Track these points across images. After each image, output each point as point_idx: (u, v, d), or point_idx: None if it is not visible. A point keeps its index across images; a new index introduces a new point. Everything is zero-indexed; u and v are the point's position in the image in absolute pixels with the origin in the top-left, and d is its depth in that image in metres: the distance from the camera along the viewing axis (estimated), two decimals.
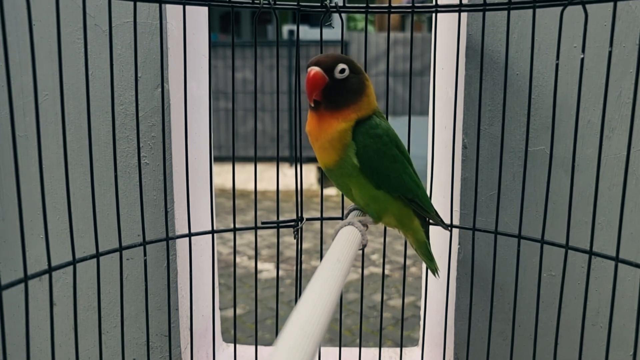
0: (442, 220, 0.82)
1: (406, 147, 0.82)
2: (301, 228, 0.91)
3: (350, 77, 0.71)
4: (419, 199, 0.76)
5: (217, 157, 5.11)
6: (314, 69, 0.70)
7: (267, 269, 3.40)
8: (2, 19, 0.55)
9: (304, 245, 3.65)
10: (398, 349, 1.12)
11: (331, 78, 0.70)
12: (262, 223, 0.90)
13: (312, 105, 0.72)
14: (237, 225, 0.91)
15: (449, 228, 0.92)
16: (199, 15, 1.02)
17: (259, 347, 0.99)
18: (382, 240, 0.96)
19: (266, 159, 5.43)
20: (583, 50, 0.71)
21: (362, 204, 0.77)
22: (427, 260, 0.85)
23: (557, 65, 0.74)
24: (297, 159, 0.89)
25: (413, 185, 0.75)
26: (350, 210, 0.83)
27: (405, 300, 2.93)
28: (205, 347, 1.09)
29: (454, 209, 0.96)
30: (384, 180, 0.73)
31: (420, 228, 0.80)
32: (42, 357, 1.00)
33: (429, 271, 1.12)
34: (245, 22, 9.72)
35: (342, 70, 0.70)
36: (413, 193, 0.75)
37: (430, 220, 0.83)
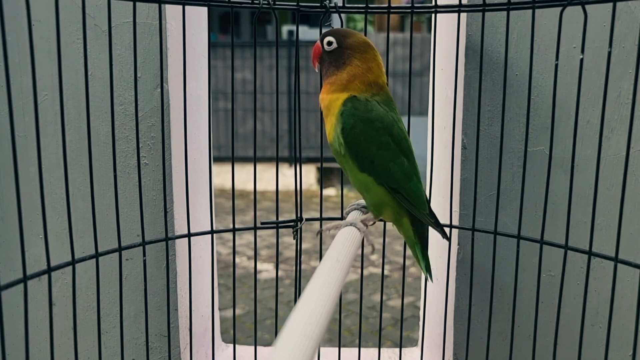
0: (435, 222, 0.79)
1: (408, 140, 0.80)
2: (300, 228, 0.91)
3: (334, 51, 0.74)
4: (404, 190, 0.74)
5: (217, 157, 5.11)
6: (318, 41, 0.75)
7: (266, 269, 3.40)
8: (2, 19, 0.55)
9: (304, 246, 3.65)
10: (397, 349, 1.12)
11: (322, 49, 0.75)
12: (262, 223, 0.90)
13: (317, 71, 0.77)
14: (236, 226, 0.91)
15: (449, 229, 0.92)
16: (199, 16, 1.02)
17: (258, 347, 0.99)
18: (381, 240, 0.96)
19: (265, 159, 5.43)
20: (582, 51, 0.71)
21: (356, 188, 0.78)
22: (417, 261, 0.82)
23: (556, 65, 0.75)
24: (296, 159, 0.89)
25: (400, 176, 0.74)
26: (350, 211, 0.82)
27: (405, 301, 2.92)
28: (204, 347, 1.09)
29: (453, 209, 0.96)
30: (367, 164, 0.73)
31: (409, 226, 0.79)
32: (41, 357, 1.00)
33: None
34: (244, 22, 9.72)
35: (329, 43, 0.74)
36: (398, 184, 0.74)
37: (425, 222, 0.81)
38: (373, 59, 0.75)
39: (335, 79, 0.74)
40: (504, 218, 0.94)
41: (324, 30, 0.79)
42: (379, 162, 0.73)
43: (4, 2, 0.55)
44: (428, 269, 0.81)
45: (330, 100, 0.74)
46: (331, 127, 0.74)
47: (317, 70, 0.78)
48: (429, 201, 0.80)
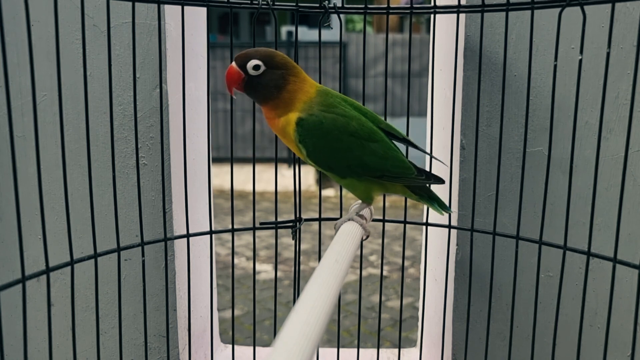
0: (427, 176, 0.77)
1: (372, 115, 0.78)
2: (299, 229, 0.91)
3: (265, 73, 0.71)
4: (388, 172, 0.74)
5: (216, 158, 5.11)
6: (231, 65, 0.72)
7: (265, 270, 3.40)
8: (1, 19, 0.55)
9: (302, 246, 3.65)
10: (396, 350, 1.12)
11: (246, 74, 0.72)
12: (261, 224, 0.90)
13: (234, 97, 0.75)
14: (235, 226, 0.91)
15: (448, 230, 0.92)
16: (198, 16, 1.02)
17: (257, 348, 0.99)
18: (380, 241, 0.96)
19: (264, 160, 5.42)
20: (581, 52, 0.71)
21: (343, 187, 0.78)
22: (432, 208, 0.81)
23: (555, 66, 0.75)
24: (295, 160, 0.89)
25: (378, 162, 0.73)
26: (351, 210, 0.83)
27: (404, 302, 2.93)
28: (203, 348, 1.09)
29: (452, 210, 0.96)
30: (344, 170, 0.74)
31: (405, 190, 0.79)
32: (40, 358, 1.00)
33: (426, 274, 1.12)
34: (243, 23, 9.72)
35: (256, 67, 0.71)
36: (381, 170, 0.74)
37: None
38: (300, 71, 0.74)
39: (279, 102, 0.72)
40: (502, 218, 0.94)
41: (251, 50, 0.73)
42: (354, 162, 0.73)
43: (3, 2, 0.55)
44: (443, 206, 0.81)
45: (282, 126, 0.73)
46: (295, 150, 0.75)
47: (235, 97, 0.75)
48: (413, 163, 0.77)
